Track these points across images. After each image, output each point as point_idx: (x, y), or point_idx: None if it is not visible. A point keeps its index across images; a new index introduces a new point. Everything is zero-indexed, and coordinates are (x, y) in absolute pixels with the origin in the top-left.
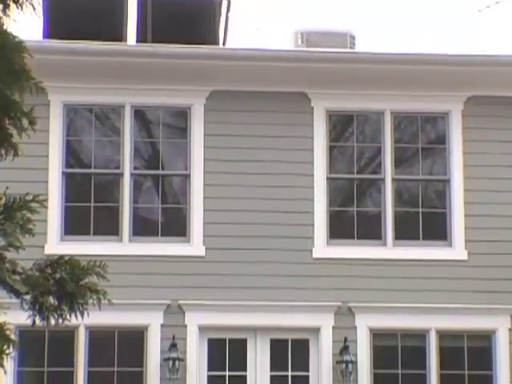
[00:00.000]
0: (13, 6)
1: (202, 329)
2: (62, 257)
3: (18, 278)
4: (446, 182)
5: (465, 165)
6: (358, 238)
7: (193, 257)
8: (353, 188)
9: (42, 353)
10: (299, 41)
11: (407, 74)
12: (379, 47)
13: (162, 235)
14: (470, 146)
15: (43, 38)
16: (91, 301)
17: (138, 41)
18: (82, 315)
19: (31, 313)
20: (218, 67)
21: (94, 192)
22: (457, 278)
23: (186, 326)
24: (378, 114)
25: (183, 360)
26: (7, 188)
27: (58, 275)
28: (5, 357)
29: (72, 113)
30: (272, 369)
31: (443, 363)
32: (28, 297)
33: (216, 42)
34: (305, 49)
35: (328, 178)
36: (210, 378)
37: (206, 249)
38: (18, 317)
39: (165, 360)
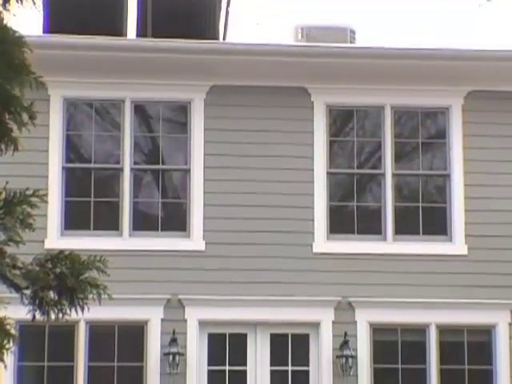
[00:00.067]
0: (13, 0)
1: (202, 323)
2: (62, 251)
3: (18, 272)
4: (446, 177)
5: (465, 159)
6: (358, 233)
7: (193, 251)
8: (353, 183)
9: (42, 347)
10: (299, 36)
11: (407, 68)
12: (379, 42)
13: (162, 230)
14: (470, 140)
15: (43, 33)
16: (91, 295)
17: (137, 35)
18: (82, 310)
19: (31, 307)
20: (218, 62)
21: (94, 187)
22: (457, 272)
23: (186, 321)
24: (378, 109)
25: (183, 355)
26: (7, 182)
27: (58, 270)
28: (5, 351)
29: (72, 107)
30: (272, 363)
31: (443, 358)
32: (28, 291)
33: (216, 37)
34: (305, 43)
35: (328, 173)
36: (210, 372)
37: (206, 243)
38: (18, 311)
39: (165, 355)
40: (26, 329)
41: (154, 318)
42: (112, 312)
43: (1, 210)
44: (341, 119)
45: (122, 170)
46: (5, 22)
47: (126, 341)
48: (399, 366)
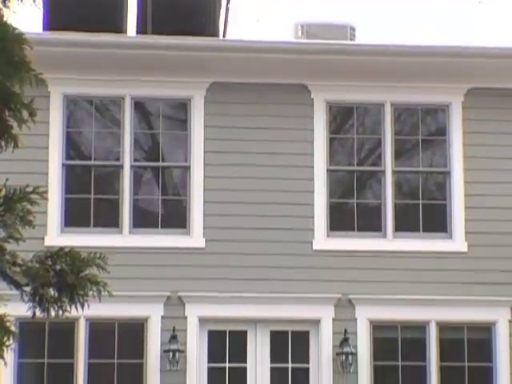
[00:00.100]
0: None
1: (202, 320)
2: (62, 248)
3: (18, 269)
4: (446, 174)
5: (465, 157)
6: (358, 230)
7: (193, 248)
8: (353, 180)
9: (42, 344)
10: (299, 33)
11: (407, 65)
12: (379, 39)
13: (162, 227)
14: (470, 137)
15: (43, 30)
16: (91, 292)
17: (137, 32)
18: (82, 307)
19: (31, 304)
20: (218, 59)
21: (94, 184)
22: (457, 269)
23: (186, 318)
24: (378, 106)
25: (183, 352)
26: (7, 179)
27: (58, 267)
28: (5, 348)
29: (72, 104)
30: (272, 361)
31: (443, 355)
32: (28, 288)
33: (216, 34)
34: (305, 41)
35: (328, 170)
36: (210, 369)
37: (206, 241)
38: (18, 308)
39: (165, 352)
40: (26, 326)
41: (154, 315)
42: (112, 309)
43: (1, 207)
44: (341, 116)
45: (121, 167)
46: (5, 19)
47: (126, 338)
48: (399, 363)
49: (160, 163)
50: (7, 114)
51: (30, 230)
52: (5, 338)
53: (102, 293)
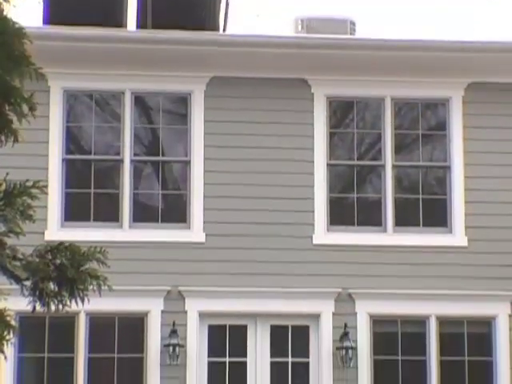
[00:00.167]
0: None
1: (203, 315)
2: (62, 243)
3: (18, 263)
4: (447, 169)
5: (465, 151)
6: (358, 225)
7: (193, 243)
8: (353, 174)
9: (42, 339)
10: (299, 27)
11: (408, 60)
12: (379, 33)
13: (162, 221)
14: (470, 132)
15: (43, 24)
16: (91, 287)
17: (138, 27)
18: (83, 301)
19: (31, 299)
20: (219, 53)
21: (94, 178)
22: (457, 264)
23: (186, 312)
24: (379, 100)
25: (183, 346)
26: (7, 174)
27: (58, 261)
28: (5, 343)
29: (72, 99)
30: (272, 355)
31: (443, 349)
32: (28, 283)
33: (216, 28)
34: (305, 35)
35: (328, 165)
36: (210, 364)
37: (206, 235)
38: (19, 303)
39: (165, 346)
40: (26, 320)
41: (154, 309)
42: (112, 303)
43: (1, 202)
44: (341, 111)
45: (122, 161)
46: (5, 13)
47: (126, 332)
48: (399, 357)
49: (160, 157)
50: (7, 108)
51: (30, 224)
52: (5, 333)
53: (102, 287)
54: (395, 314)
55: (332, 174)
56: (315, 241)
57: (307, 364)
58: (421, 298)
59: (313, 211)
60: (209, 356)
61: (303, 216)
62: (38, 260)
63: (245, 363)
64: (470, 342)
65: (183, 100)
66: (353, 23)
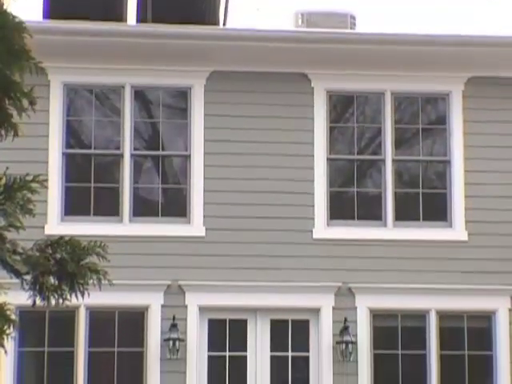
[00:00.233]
0: None
1: (203, 309)
2: (62, 237)
3: (18, 258)
4: (447, 163)
5: (465, 145)
6: (358, 219)
7: (193, 237)
8: (353, 169)
9: (42, 333)
10: (299, 21)
11: (408, 54)
12: (380, 28)
13: (162, 216)
14: (470, 126)
15: (43, 19)
16: (91, 281)
17: (138, 21)
18: (83, 295)
19: (31, 293)
20: (219, 48)
21: (94, 172)
22: (457, 258)
23: (186, 307)
24: (379, 95)
25: (183, 340)
26: (7, 168)
27: (58, 255)
28: (5, 337)
29: (72, 93)
30: (272, 349)
31: (443, 344)
32: (28, 277)
33: (216, 23)
34: (305, 29)
35: (328, 159)
36: (210, 358)
37: (206, 229)
38: (19, 297)
39: (165, 340)
40: (26, 314)
41: (154, 303)
42: (112, 298)
43: (1, 196)
44: (341, 105)
45: (122, 155)
46: (5, 7)
47: (126, 326)
48: (399, 351)
49: (160, 152)
50: (7, 102)
51: (30, 218)
52: (5, 327)
53: (102, 281)
54: (395, 308)
55: (332, 169)
56: (315, 235)
57: (307, 358)
58: (421, 293)
59: (313, 205)
60: (209, 350)
61: (303, 210)
62: (38, 254)
63: (245, 357)
64: (470, 336)
65: (183, 94)
66: (353, 17)
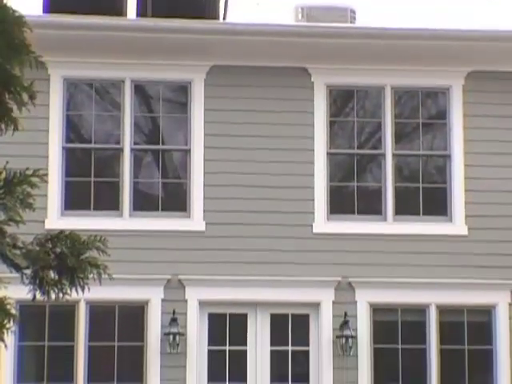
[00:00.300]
0: None
1: (203, 303)
2: (62, 231)
3: (18, 252)
4: (447, 157)
5: (465, 140)
6: (358, 213)
7: (193, 232)
8: (353, 163)
9: (42, 327)
10: (299, 16)
11: (408, 48)
12: (380, 22)
13: (162, 210)
14: (470, 121)
15: (43, 13)
16: (91, 275)
17: (138, 15)
18: (83, 290)
19: (32, 287)
20: (219, 42)
21: (94, 167)
22: (457, 252)
23: (186, 301)
24: (379, 89)
25: (183, 335)
26: (7, 162)
27: (58, 250)
28: (5, 331)
29: (72, 87)
30: (272, 343)
31: (443, 338)
32: (28, 271)
33: (216, 17)
34: (305, 24)
35: (328, 153)
36: (210, 352)
37: (206, 224)
38: (19, 291)
39: (165, 335)
40: (26, 309)
41: (154, 298)
42: (112, 292)
43: (1, 190)
44: (341, 99)
45: (122, 150)
46: (5, 1)
47: (126, 321)
48: (399, 346)
49: (160, 146)
50: (7, 96)
51: (30, 212)
52: (5, 321)
53: (102, 276)
54: (395, 302)
55: (332, 163)
56: (315, 229)
57: (307, 352)
58: (421, 287)
59: (313, 200)
60: (209, 344)
61: (303, 205)
62: (38, 248)
63: (245, 352)
64: (470, 330)
65: (183, 89)
66: (353, 12)
